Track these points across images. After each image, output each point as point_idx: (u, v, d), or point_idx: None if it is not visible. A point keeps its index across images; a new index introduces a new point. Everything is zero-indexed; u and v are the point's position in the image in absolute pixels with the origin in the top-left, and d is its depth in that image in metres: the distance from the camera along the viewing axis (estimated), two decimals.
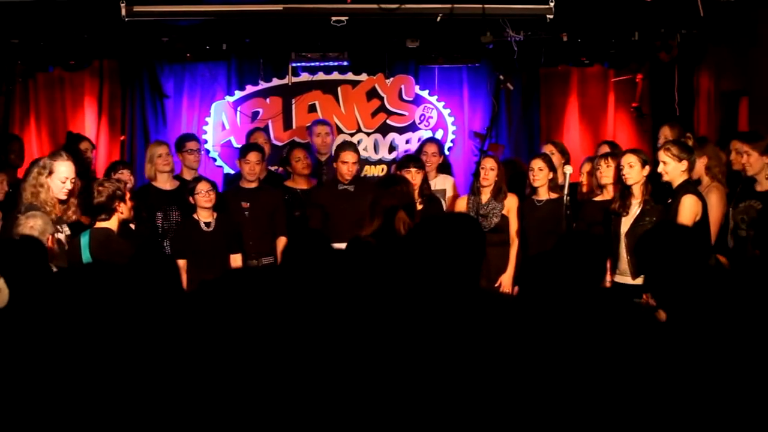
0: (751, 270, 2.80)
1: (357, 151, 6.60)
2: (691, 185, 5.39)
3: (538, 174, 6.17)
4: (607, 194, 5.83)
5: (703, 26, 7.32)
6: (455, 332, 2.61)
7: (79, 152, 6.50)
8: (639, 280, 5.29)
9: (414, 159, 6.49)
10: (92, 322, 2.56)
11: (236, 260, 6.11)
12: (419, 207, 6.12)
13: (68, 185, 5.12)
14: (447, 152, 8.44)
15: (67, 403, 2.43)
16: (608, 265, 5.45)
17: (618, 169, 5.62)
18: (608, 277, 5.42)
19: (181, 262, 5.88)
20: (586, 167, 6.40)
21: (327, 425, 2.42)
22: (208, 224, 6.06)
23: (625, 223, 5.49)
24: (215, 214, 6.09)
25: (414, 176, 6.16)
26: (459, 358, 2.53)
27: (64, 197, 5.12)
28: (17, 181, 6.65)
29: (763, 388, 2.52)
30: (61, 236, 4.99)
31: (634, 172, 5.49)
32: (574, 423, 2.46)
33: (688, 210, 5.19)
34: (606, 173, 5.83)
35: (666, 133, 6.66)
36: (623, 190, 5.55)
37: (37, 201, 4.97)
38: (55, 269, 4.39)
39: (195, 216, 6.09)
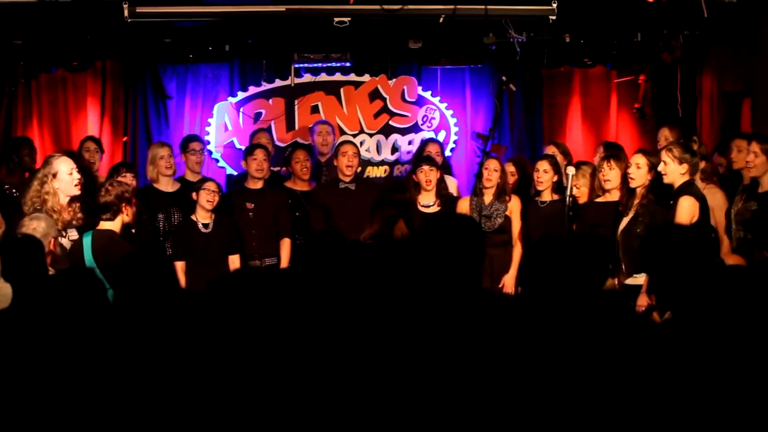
0: (760, 272, 2.79)
1: (355, 145, 6.62)
2: (692, 187, 5.38)
3: (543, 176, 6.16)
4: (610, 195, 5.81)
5: (706, 27, 7.31)
6: (456, 333, 2.61)
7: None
8: (631, 280, 5.31)
9: (427, 158, 6.49)
10: (86, 322, 2.57)
11: (234, 261, 6.09)
12: (438, 208, 6.12)
13: (76, 175, 5.11)
14: (450, 153, 8.46)
15: (66, 403, 2.43)
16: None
17: (623, 170, 5.62)
18: (613, 280, 5.42)
19: (179, 264, 5.90)
20: (585, 171, 6.30)
21: (329, 425, 2.42)
22: (206, 225, 6.06)
23: (623, 223, 5.50)
24: (213, 216, 6.09)
25: (428, 173, 6.16)
26: (460, 358, 2.53)
27: (78, 191, 5.09)
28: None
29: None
30: (65, 240, 4.98)
31: (640, 174, 5.49)
32: (574, 423, 2.46)
33: (684, 211, 5.19)
34: (608, 176, 5.78)
35: (666, 134, 6.65)
36: (628, 191, 5.55)
37: (43, 208, 4.95)
38: (53, 271, 4.39)
39: (193, 217, 6.09)
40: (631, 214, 5.49)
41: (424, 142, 7.43)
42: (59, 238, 4.86)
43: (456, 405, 2.46)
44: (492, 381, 2.50)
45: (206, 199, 6.00)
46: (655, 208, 5.45)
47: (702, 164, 5.91)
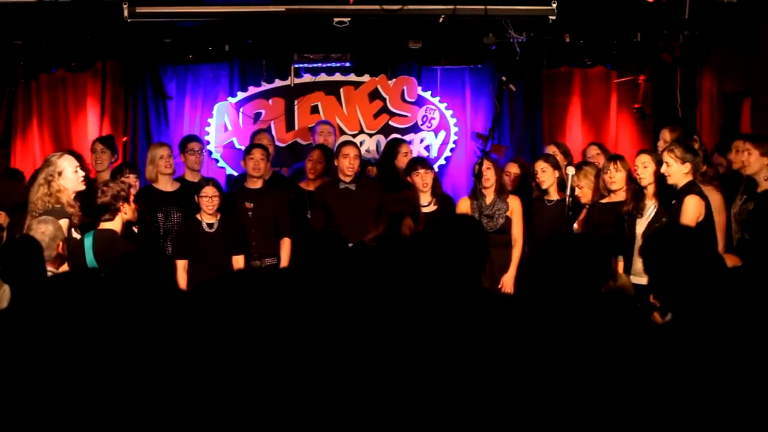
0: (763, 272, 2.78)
1: (357, 147, 6.62)
2: (696, 186, 5.37)
3: (542, 175, 6.16)
4: (615, 196, 5.80)
5: (706, 27, 7.31)
6: (456, 333, 2.61)
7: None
8: None
9: (420, 161, 6.49)
10: (86, 324, 2.56)
11: (238, 262, 6.11)
12: (434, 207, 6.14)
13: (81, 172, 5.12)
14: (449, 153, 8.46)
15: (65, 404, 2.43)
16: (617, 267, 5.43)
17: (628, 172, 5.61)
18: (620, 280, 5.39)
19: (182, 263, 5.92)
20: (588, 171, 6.28)
21: (329, 425, 2.41)
22: (210, 225, 6.07)
23: (641, 224, 5.45)
24: (219, 215, 6.10)
25: (423, 177, 6.17)
26: (459, 358, 2.53)
27: (83, 186, 5.09)
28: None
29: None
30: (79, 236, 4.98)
31: (648, 172, 5.48)
32: (572, 424, 2.46)
33: (691, 210, 5.18)
34: (615, 177, 5.77)
35: (665, 136, 6.62)
36: (636, 191, 5.53)
37: (60, 205, 4.93)
38: (66, 269, 4.39)
39: (198, 216, 6.10)
40: (648, 214, 5.47)
41: (396, 143, 7.36)
42: (73, 232, 4.87)
43: (455, 404, 2.46)
44: (492, 381, 2.50)
45: (206, 205, 6.03)
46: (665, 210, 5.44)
47: (703, 168, 5.90)
